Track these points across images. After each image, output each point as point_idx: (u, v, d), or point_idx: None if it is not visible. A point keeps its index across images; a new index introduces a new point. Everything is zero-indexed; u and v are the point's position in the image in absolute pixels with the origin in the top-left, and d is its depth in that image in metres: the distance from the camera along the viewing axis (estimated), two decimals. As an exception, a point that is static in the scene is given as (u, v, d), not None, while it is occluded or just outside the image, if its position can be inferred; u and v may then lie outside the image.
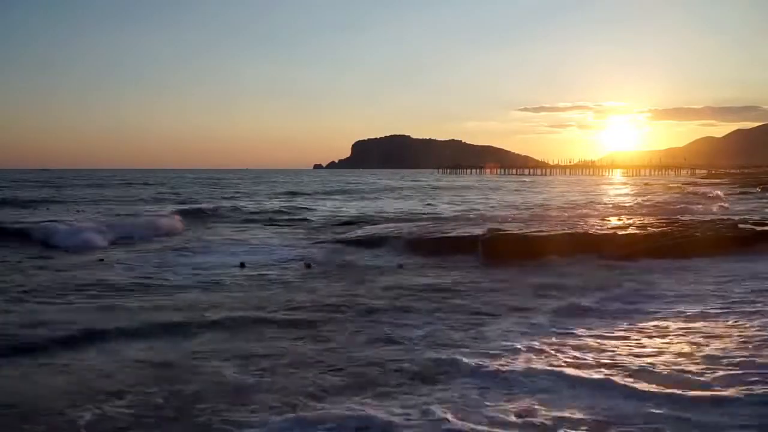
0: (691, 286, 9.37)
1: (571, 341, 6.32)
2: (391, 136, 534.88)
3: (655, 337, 6.50)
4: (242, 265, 11.75)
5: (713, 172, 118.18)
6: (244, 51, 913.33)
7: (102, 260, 12.48)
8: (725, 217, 18.28)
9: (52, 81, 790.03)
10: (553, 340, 6.38)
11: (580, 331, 6.74)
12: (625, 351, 5.95)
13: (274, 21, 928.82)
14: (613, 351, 5.96)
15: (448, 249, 13.14)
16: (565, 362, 5.60)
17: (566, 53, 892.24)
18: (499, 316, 7.59)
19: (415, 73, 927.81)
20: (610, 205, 29.77)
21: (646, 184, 66.76)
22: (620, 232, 14.04)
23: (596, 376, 5.23)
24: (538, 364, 5.55)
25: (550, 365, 5.52)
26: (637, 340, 6.38)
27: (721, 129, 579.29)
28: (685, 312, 7.53)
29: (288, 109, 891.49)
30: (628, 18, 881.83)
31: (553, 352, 5.93)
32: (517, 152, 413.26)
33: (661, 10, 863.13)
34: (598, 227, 15.57)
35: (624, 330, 6.78)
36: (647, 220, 17.33)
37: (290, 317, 7.54)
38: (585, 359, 5.69)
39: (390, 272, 11.04)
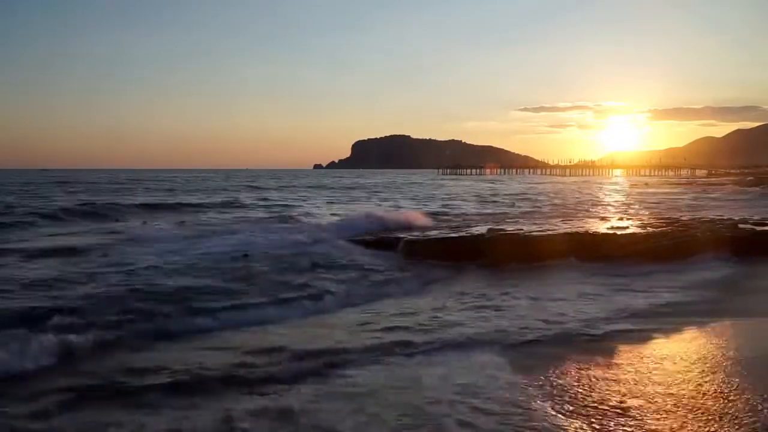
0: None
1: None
2: (391, 136, 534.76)
3: None
4: None
5: (713, 172, 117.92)
6: (244, 51, 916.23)
7: None
8: (725, 217, 18.19)
9: (52, 81, 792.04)
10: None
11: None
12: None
13: (274, 21, 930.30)
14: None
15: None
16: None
17: (566, 53, 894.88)
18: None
19: (415, 73, 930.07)
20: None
21: (645, 184, 66.64)
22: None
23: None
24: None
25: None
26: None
27: (721, 129, 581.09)
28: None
29: (288, 109, 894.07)
30: (628, 18, 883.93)
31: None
32: (517, 152, 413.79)
33: (661, 10, 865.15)
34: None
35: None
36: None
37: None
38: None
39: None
